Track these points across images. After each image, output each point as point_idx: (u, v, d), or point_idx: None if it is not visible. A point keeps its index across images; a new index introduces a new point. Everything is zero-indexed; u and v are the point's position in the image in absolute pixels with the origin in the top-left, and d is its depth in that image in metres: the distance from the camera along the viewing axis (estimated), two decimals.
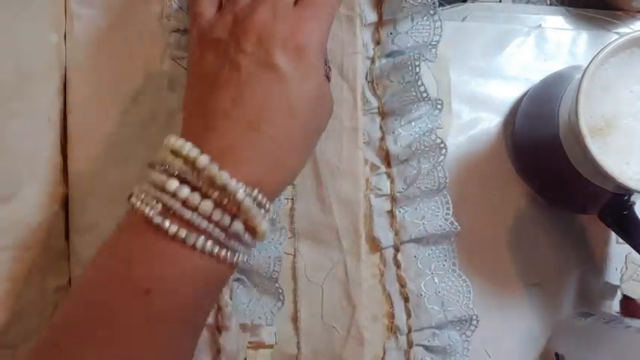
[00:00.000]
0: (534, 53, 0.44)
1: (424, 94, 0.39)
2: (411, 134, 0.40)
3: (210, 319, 0.39)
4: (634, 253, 0.38)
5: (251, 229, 0.27)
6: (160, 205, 0.26)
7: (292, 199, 0.41)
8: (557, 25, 0.44)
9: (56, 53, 0.40)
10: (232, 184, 0.26)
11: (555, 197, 0.42)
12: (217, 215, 0.26)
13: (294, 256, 0.41)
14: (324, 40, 0.30)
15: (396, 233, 0.41)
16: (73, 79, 0.40)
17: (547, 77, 0.42)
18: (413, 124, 0.40)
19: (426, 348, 0.40)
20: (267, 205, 0.27)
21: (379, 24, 0.40)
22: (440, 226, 0.40)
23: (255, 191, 0.27)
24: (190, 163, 0.26)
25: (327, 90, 0.31)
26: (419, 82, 0.39)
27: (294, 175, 0.30)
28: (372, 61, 0.41)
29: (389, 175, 0.41)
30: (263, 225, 0.27)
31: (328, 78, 0.33)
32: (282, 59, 0.28)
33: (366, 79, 0.41)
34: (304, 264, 0.41)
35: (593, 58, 0.33)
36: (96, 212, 0.40)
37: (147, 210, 0.26)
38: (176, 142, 0.27)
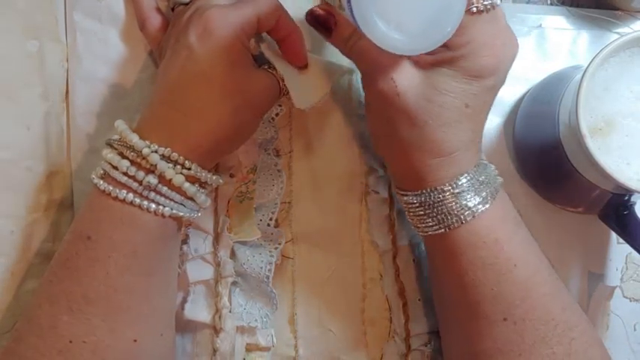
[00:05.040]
0: (534, 53, 0.43)
1: None
2: None
3: (209, 321, 0.39)
4: (634, 253, 0.38)
5: (167, 183, 0.32)
6: (101, 171, 0.32)
7: (289, 202, 0.41)
8: (557, 25, 0.44)
9: (38, 60, 0.39)
10: (139, 143, 0.32)
11: (555, 197, 0.42)
12: (132, 171, 0.32)
13: (292, 259, 0.41)
14: (231, 22, 0.33)
15: (394, 237, 0.41)
16: (75, 89, 0.40)
17: (547, 77, 0.42)
18: None
19: (424, 353, 0.40)
20: (186, 163, 0.32)
21: None
22: None
23: (168, 150, 0.32)
24: (118, 134, 0.33)
25: (244, 63, 0.34)
26: None
27: (221, 138, 0.33)
28: None
29: (387, 179, 0.41)
30: (177, 178, 0.32)
31: (268, 60, 0.37)
32: (193, 39, 0.33)
33: None
34: (302, 267, 0.41)
35: (594, 58, 0.33)
36: None
37: (92, 175, 0.33)
38: (118, 122, 0.33)
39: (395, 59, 0.31)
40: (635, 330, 0.43)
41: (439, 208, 0.33)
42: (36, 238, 0.39)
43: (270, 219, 0.40)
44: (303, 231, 0.41)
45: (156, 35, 0.38)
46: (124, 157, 0.32)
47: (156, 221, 0.33)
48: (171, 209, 0.33)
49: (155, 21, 0.38)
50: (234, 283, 0.40)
